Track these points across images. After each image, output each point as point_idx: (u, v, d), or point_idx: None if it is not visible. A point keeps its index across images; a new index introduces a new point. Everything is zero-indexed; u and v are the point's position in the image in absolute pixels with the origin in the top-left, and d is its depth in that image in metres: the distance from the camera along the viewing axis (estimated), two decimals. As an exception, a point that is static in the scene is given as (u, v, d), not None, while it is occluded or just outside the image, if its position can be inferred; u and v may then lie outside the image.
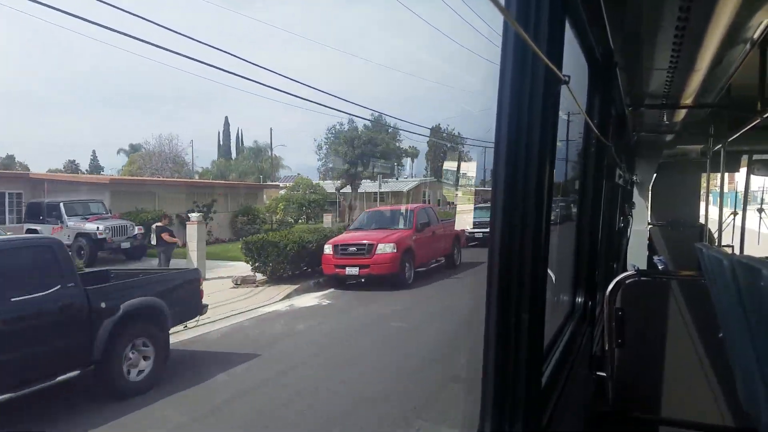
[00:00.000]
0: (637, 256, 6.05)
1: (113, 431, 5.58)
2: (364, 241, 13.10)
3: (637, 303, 3.04)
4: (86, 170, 54.45)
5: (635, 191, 6.42)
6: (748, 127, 3.71)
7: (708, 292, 1.49)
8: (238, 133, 65.34)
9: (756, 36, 2.20)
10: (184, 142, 49.49)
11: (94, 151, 61.34)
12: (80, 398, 6.34)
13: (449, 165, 45.20)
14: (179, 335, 8.08)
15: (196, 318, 8.04)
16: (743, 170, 7.64)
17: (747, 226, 6.89)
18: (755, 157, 7.00)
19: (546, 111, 1.11)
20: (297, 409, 6.02)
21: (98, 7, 7.28)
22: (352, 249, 13.11)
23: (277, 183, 38.41)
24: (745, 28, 2.08)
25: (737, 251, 5.94)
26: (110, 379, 6.30)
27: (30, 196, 21.43)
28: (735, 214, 7.08)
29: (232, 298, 11.99)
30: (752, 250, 7.09)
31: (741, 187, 9.15)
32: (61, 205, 18.75)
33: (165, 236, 14.27)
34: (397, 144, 43.32)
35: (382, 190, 39.16)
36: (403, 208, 16.82)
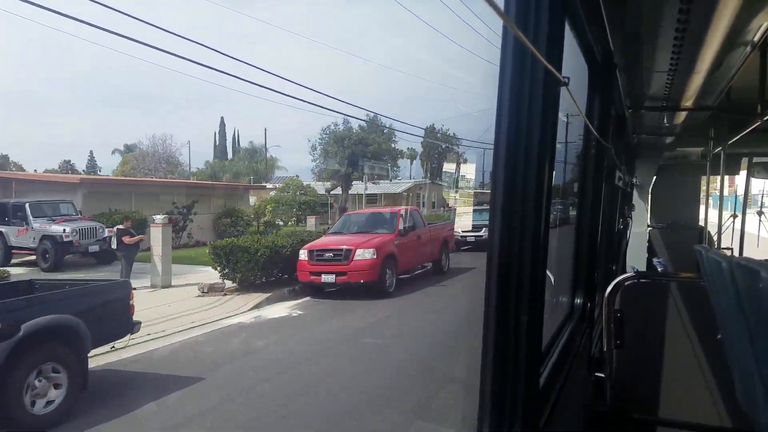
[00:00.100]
0: (636, 258, 6.05)
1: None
2: (342, 247, 12.21)
3: (636, 304, 3.05)
4: (83, 170, 54.43)
5: (635, 193, 6.42)
6: (749, 129, 3.71)
7: (707, 293, 1.49)
8: (234, 134, 65.31)
9: (756, 39, 2.20)
10: (177, 142, 49.17)
11: (91, 152, 61.43)
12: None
13: (448, 167, 45.03)
14: (118, 354, 7.50)
15: (126, 338, 7.05)
16: (743, 173, 7.65)
17: (747, 229, 6.89)
18: (755, 159, 7.00)
19: (545, 113, 1.11)
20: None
21: (93, 7, 7.29)
22: (329, 255, 12.18)
23: (263, 184, 37.73)
24: (746, 31, 2.08)
25: (736, 254, 5.95)
26: (4, 413, 5.34)
27: (1, 196, 20.50)
28: (734, 216, 7.08)
29: (194, 308, 11.04)
30: (751, 252, 7.08)
31: (741, 190, 9.16)
32: (27, 205, 17.72)
33: (126, 239, 13.36)
34: (393, 145, 43.00)
35: (375, 192, 38.41)
36: (385, 210, 16.00)
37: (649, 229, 6.86)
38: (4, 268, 14.61)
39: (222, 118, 66.64)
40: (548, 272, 1.68)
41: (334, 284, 12.06)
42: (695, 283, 2.68)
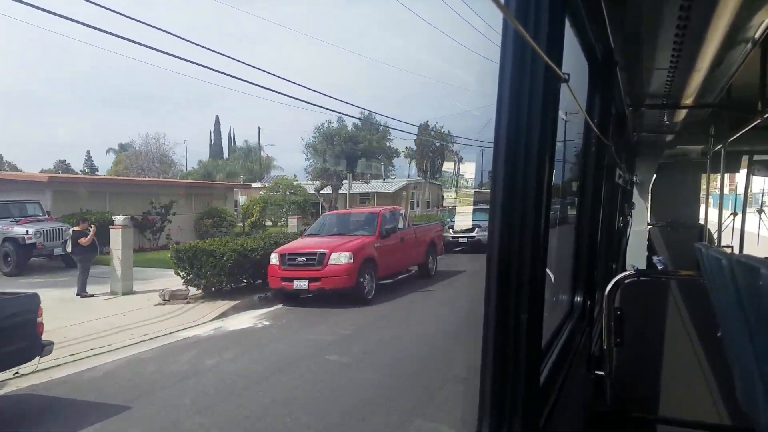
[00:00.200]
0: (636, 256, 6.05)
1: None
2: (315, 250, 11.30)
3: (636, 303, 3.05)
4: (81, 170, 54.28)
5: (635, 191, 6.42)
6: (749, 127, 3.70)
7: (707, 291, 1.49)
8: (230, 133, 65.14)
9: (757, 36, 2.19)
10: (171, 140, 48.71)
11: (88, 152, 61.22)
12: None
13: (447, 166, 44.77)
14: (50, 374, 6.85)
15: (35, 361, 6.21)
16: (743, 171, 7.64)
17: (747, 227, 6.89)
18: (755, 157, 6.99)
19: (546, 109, 1.11)
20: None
21: (90, 8, 7.27)
22: (301, 259, 11.25)
23: (248, 183, 37.07)
24: (746, 28, 2.07)
25: (737, 252, 5.94)
26: None
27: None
28: (735, 214, 7.08)
29: (151, 319, 10.12)
30: (752, 251, 7.09)
31: (741, 189, 9.15)
32: None
33: (83, 241, 12.47)
34: (388, 144, 42.60)
35: (368, 191, 38.12)
36: (366, 211, 15.08)
37: (649, 227, 6.86)
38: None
39: (217, 117, 66.60)
40: (548, 270, 1.68)
41: (307, 291, 11.17)
42: (695, 281, 2.68)
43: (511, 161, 1.10)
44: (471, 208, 24.86)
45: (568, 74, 1.22)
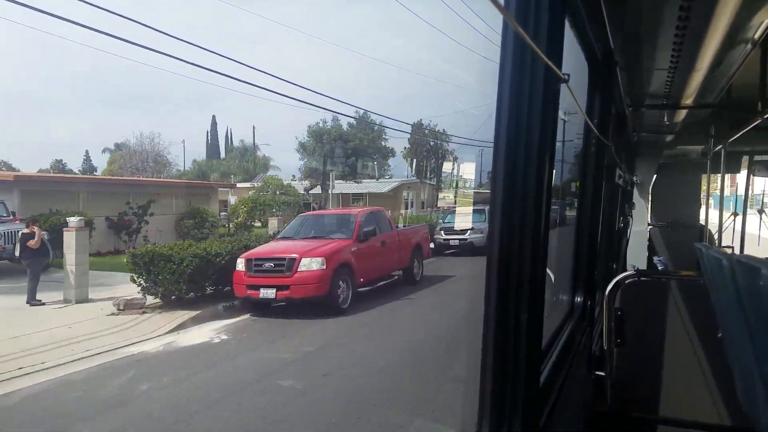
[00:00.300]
0: (636, 256, 6.05)
1: None
2: (284, 255, 10.30)
3: (636, 303, 3.05)
4: (79, 170, 54.19)
5: (635, 192, 6.42)
6: (749, 127, 3.71)
7: (707, 291, 1.49)
8: (227, 133, 65.01)
9: (757, 36, 2.19)
10: (165, 140, 47.83)
11: (87, 151, 61.01)
12: None
13: (447, 166, 44.39)
14: None
15: None
16: (744, 171, 7.65)
17: (747, 229, 6.89)
18: (756, 158, 7.00)
19: (546, 110, 1.11)
20: None
21: (88, 8, 7.27)
22: (269, 265, 10.28)
23: (234, 183, 36.05)
24: (746, 28, 2.07)
25: (737, 252, 5.94)
26: None
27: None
28: (735, 215, 7.08)
29: (99, 331, 9.17)
30: (752, 251, 7.08)
31: (741, 189, 9.15)
32: None
33: (31, 244, 11.63)
34: (383, 143, 42.19)
35: (361, 191, 37.45)
36: (345, 212, 14.05)
37: (650, 227, 6.86)
38: None
39: (213, 116, 66.48)
40: (548, 271, 1.68)
41: (275, 299, 10.12)
42: (695, 281, 2.68)
43: (511, 161, 1.10)
44: (464, 208, 24.13)
45: (568, 75, 1.22)
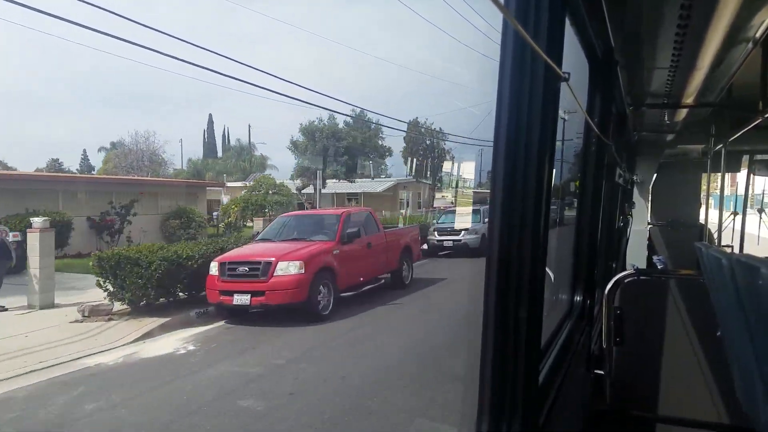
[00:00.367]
0: (636, 255, 6.05)
1: None
2: (259, 259, 9.66)
3: (636, 302, 3.05)
4: (77, 169, 53.98)
5: (635, 191, 6.42)
6: (750, 126, 3.71)
7: (707, 291, 1.49)
8: (224, 132, 64.77)
9: (758, 35, 2.19)
10: (161, 138, 47.20)
11: (84, 150, 60.60)
12: None
13: (447, 166, 43.97)
14: None
15: None
16: (744, 171, 7.65)
17: (747, 229, 6.90)
18: (756, 157, 7.00)
19: (546, 108, 1.11)
20: None
21: (86, 8, 7.26)
22: (243, 269, 9.61)
23: (221, 182, 35.18)
24: (747, 27, 2.07)
25: (737, 251, 5.94)
26: None
27: None
28: (735, 214, 7.09)
29: (59, 340, 8.52)
30: (752, 251, 7.08)
31: (741, 189, 9.16)
32: None
33: None
34: (381, 142, 41.69)
35: (356, 191, 36.94)
36: (328, 213, 13.30)
37: (650, 226, 6.86)
38: None
39: (210, 115, 66.28)
40: (548, 270, 1.68)
41: (249, 306, 9.44)
42: (695, 280, 2.68)
43: (511, 160, 1.10)
44: (458, 209, 23.33)
45: (568, 73, 1.22)
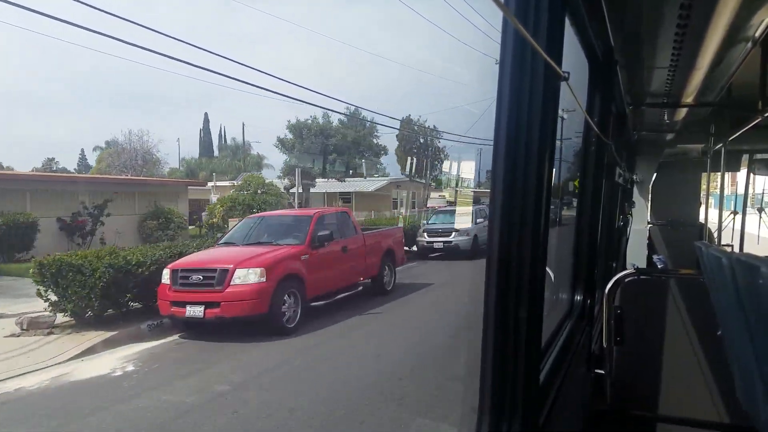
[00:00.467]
0: (636, 255, 6.05)
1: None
2: (215, 266, 8.67)
3: (636, 301, 3.05)
4: (74, 169, 53.87)
5: (635, 190, 6.42)
6: (749, 126, 3.71)
7: (707, 290, 1.49)
8: (220, 131, 64.47)
9: (757, 35, 2.19)
10: (155, 137, 46.78)
11: (82, 150, 60.26)
12: None
13: (441, 164, 43.54)
14: None
15: None
16: (744, 170, 7.65)
17: (747, 228, 6.90)
18: (756, 156, 7.00)
19: (546, 108, 1.11)
20: None
21: (85, 9, 7.26)
22: (196, 277, 8.60)
23: (204, 181, 34.17)
24: (746, 27, 2.07)
25: (737, 251, 5.94)
26: None
27: None
28: (735, 213, 7.09)
29: None
30: (752, 250, 7.08)
31: (741, 189, 9.16)
32: None
33: None
34: (375, 140, 40.89)
35: (348, 190, 36.14)
36: (298, 214, 12.24)
37: (650, 226, 6.86)
38: None
39: (206, 114, 65.85)
40: (548, 269, 1.68)
41: (203, 319, 8.35)
42: (695, 279, 2.68)
43: (511, 160, 1.10)
44: (449, 208, 22.18)
45: (568, 73, 1.22)
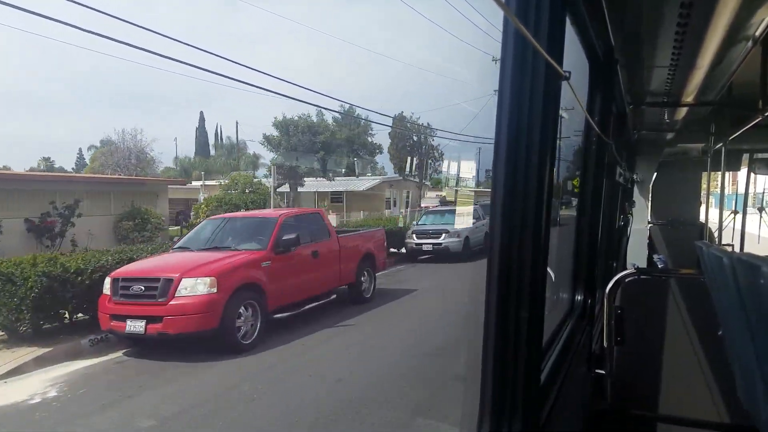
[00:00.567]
0: (637, 254, 6.05)
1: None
2: (158, 275, 7.66)
3: (636, 301, 3.05)
4: (72, 168, 53.86)
5: (636, 190, 6.42)
6: (750, 125, 3.71)
7: (708, 290, 1.49)
8: (217, 130, 64.38)
9: (757, 33, 2.19)
10: (148, 136, 46.18)
11: (80, 149, 60.26)
12: None
13: (434, 163, 43.10)
14: None
15: None
16: (744, 170, 7.66)
17: (747, 228, 6.90)
18: (756, 155, 7.00)
19: (546, 107, 1.11)
20: None
21: (83, 9, 7.24)
22: (138, 287, 7.61)
23: (184, 180, 33.27)
24: (747, 26, 2.07)
25: (737, 250, 5.94)
26: None
27: None
28: (735, 213, 7.09)
29: None
30: (752, 250, 7.06)
31: (742, 188, 9.17)
32: None
33: None
34: (369, 138, 39.78)
35: (340, 189, 35.37)
36: (262, 215, 11.10)
37: (650, 225, 6.86)
38: None
39: (201, 113, 65.85)
40: (548, 269, 1.68)
41: (144, 335, 7.39)
42: (696, 279, 2.68)
43: (512, 159, 1.09)
44: (440, 208, 21.02)
45: (569, 72, 1.22)
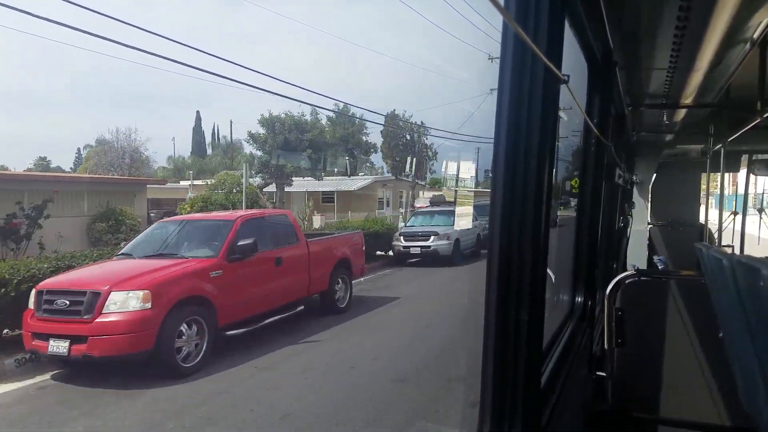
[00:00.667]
0: (637, 256, 6.05)
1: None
2: (84, 288, 6.59)
3: (636, 303, 3.05)
4: (70, 168, 53.78)
5: (635, 191, 6.42)
6: (748, 126, 3.71)
7: (708, 291, 1.49)
8: (213, 129, 64.12)
9: (756, 36, 2.20)
10: (142, 135, 45.47)
11: (79, 149, 60.15)
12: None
13: (435, 164, 42.79)
14: None
15: None
16: (743, 171, 7.66)
17: (747, 228, 6.90)
18: (755, 156, 7.01)
19: (545, 110, 1.11)
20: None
21: (82, 10, 7.25)
22: (62, 302, 6.56)
23: (164, 179, 32.28)
24: (745, 28, 2.08)
25: (737, 252, 5.95)
26: None
27: None
28: (735, 214, 7.10)
29: None
30: (752, 251, 7.07)
31: (742, 189, 9.17)
32: None
33: None
34: (364, 137, 39.31)
35: (331, 190, 34.61)
36: (218, 218, 9.53)
37: (650, 226, 6.86)
38: None
39: (198, 112, 65.67)
40: (548, 271, 1.68)
41: (68, 357, 6.33)
42: (696, 280, 2.68)
43: (512, 162, 1.10)
44: (430, 209, 19.65)
45: (568, 75, 1.22)
